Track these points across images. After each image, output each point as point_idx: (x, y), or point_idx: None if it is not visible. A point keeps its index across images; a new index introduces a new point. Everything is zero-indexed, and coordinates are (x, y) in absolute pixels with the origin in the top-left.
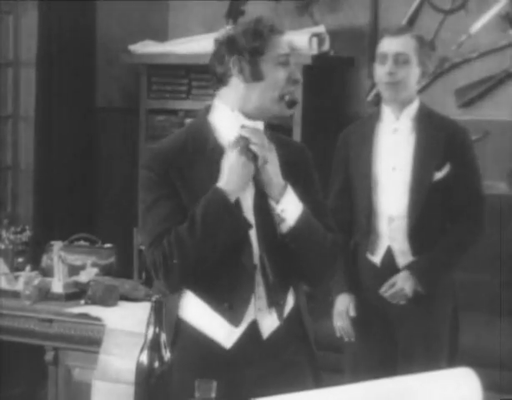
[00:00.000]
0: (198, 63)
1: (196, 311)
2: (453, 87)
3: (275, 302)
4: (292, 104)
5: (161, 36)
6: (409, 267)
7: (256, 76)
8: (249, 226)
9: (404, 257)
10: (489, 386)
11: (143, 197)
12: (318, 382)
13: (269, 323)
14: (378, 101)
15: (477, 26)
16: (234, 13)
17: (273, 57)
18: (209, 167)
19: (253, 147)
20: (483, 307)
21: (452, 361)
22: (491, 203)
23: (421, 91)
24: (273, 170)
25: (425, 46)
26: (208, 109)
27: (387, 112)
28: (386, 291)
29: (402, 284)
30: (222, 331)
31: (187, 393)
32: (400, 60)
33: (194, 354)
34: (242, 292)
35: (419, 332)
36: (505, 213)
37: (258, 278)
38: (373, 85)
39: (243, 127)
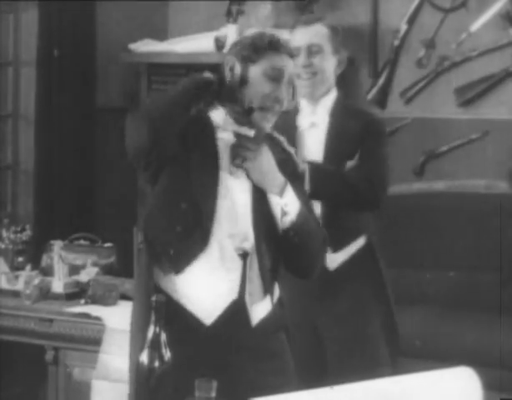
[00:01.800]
0: (199, 62)
1: (177, 283)
2: (453, 85)
3: (269, 289)
4: (249, 112)
5: (161, 35)
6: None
7: (241, 79)
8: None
9: None
10: (489, 385)
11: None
12: (294, 375)
13: (259, 310)
14: (379, 100)
15: (477, 24)
16: (234, 13)
17: (263, 69)
18: (203, 144)
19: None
20: (483, 306)
21: (394, 361)
22: (491, 202)
23: (421, 90)
24: (269, 169)
25: (338, 34)
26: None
27: (303, 104)
28: None
29: None
30: (202, 306)
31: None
32: (313, 51)
33: (177, 328)
34: (191, 245)
35: (346, 335)
36: (506, 213)
37: (253, 263)
38: (374, 84)
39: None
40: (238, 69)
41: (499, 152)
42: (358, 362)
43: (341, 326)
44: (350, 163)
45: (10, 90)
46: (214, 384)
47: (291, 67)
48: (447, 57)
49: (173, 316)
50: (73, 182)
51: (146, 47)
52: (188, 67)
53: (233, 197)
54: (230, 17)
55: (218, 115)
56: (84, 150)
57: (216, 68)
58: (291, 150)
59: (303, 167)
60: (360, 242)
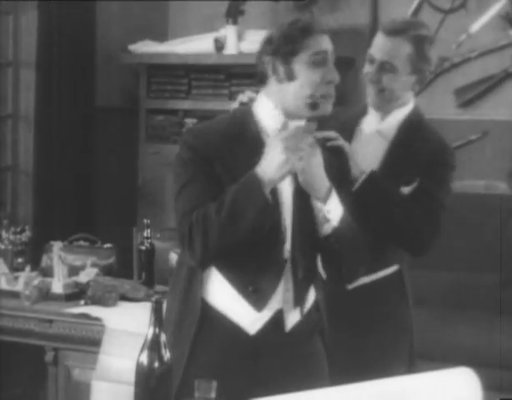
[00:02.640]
0: (198, 63)
1: (222, 295)
2: (452, 86)
3: (301, 297)
4: (313, 107)
5: (161, 36)
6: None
7: (288, 76)
8: (277, 214)
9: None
10: (488, 385)
11: (180, 172)
12: (327, 377)
13: (293, 316)
14: None
15: (477, 26)
16: (234, 13)
17: (306, 58)
18: (248, 153)
19: (295, 151)
20: (483, 306)
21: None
22: (491, 203)
23: (421, 91)
24: (317, 173)
25: (424, 49)
26: (252, 100)
27: (372, 109)
28: None
29: None
30: (247, 317)
31: (210, 375)
32: (385, 68)
33: (219, 337)
34: (268, 279)
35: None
36: (505, 213)
37: (287, 272)
38: None
39: (286, 126)
40: (280, 68)
41: (498, 152)
42: None
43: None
44: (405, 189)
45: (10, 91)
46: (214, 384)
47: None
48: (446, 58)
49: (217, 327)
50: (73, 183)
51: (145, 47)
52: (188, 68)
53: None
54: (230, 17)
55: (264, 109)
56: (84, 150)
57: (216, 70)
58: (350, 152)
59: (358, 174)
60: (390, 270)
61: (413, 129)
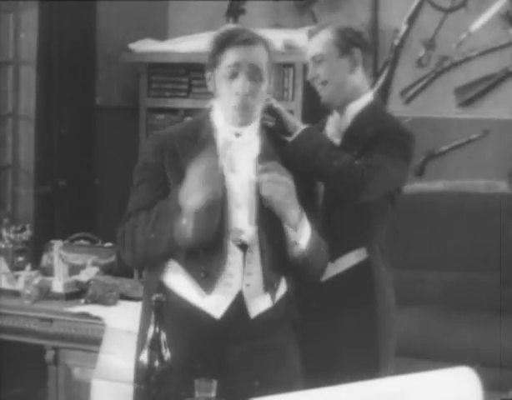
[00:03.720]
0: (198, 62)
1: (179, 280)
2: (453, 85)
3: (270, 284)
4: (233, 119)
5: (161, 34)
6: None
7: (213, 88)
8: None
9: None
10: (489, 385)
11: (134, 175)
12: (299, 368)
13: (259, 303)
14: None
15: (477, 24)
16: (234, 12)
17: (220, 71)
18: (202, 144)
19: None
20: (483, 306)
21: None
22: (491, 202)
23: (421, 90)
24: (289, 203)
25: (345, 33)
26: (211, 107)
27: (333, 110)
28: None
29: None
30: (207, 301)
31: (175, 363)
32: (317, 61)
33: (182, 323)
34: (216, 262)
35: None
36: (505, 212)
37: (253, 256)
38: (374, 84)
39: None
40: (210, 81)
41: (498, 151)
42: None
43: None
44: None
45: (10, 89)
46: (214, 384)
47: (257, 56)
48: (447, 57)
49: (181, 313)
50: (73, 182)
51: (146, 46)
52: (188, 67)
53: (232, 192)
54: (230, 16)
55: (216, 112)
56: (84, 149)
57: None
58: (281, 109)
59: (297, 126)
60: (357, 258)
61: (366, 118)
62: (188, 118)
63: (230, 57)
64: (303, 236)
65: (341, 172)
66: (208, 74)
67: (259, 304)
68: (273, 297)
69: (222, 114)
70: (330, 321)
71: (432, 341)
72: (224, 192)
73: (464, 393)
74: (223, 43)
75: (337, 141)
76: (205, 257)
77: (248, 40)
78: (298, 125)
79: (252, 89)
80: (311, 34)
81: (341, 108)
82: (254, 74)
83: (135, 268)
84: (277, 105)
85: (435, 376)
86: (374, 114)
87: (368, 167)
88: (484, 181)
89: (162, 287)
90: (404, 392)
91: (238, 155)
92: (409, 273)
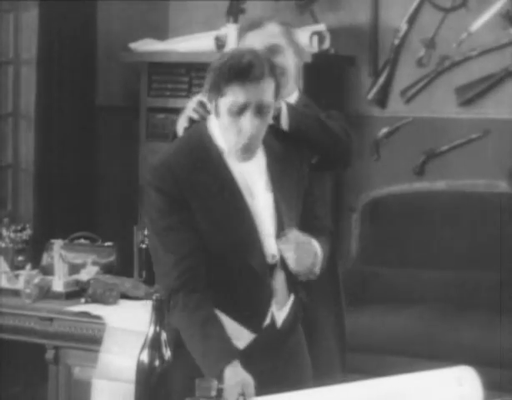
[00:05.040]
0: (199, 61)
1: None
2: (453, 85)
3: (293, 287)
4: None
5: (161, 34)
6: None
7: (216, 113)
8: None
9: None
10: (489, 384)
11: (156, 218)
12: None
13: (282, 312)
14: (379, 99)
15: (477, 24)
16: (235, 12)
17: (226, 103)
18: (213, 179)
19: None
20: (483, 305)
21: None
22: (491, 202)
23: (421, 89)
24: (316, 268)
25: (292, 29)
26: (203, 116)
27: None
28: None
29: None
30: (243, 337)
31: None
32: (274, 51)
33: None
34: (260, 298)
35: None
36: (506, 212)
37: (276, 270)
38: (374, 83)
39: None
40: (212, 101)
41: (499, 151)
42: None
43: None
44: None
45: (10, 89)
46: (214, 384)
47: (263, 92)
48: (447, 57)
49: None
50: (74, 181)
51: (146, 46)
52: (189, 67)
53: (261, 221)
54: (231, 16)
55: (217, 129)
56: (84, 149)
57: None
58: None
59: (280, 106)
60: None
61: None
62: (182, 140)
63: (238, 94)
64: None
65: (338, 135)
66: (210, 99)
67: (282, 314)
68: (294, 302)
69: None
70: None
71: (432, 340)
72: (251, 222)
73: (465, 392)
74: (229, 76)
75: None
76: (248, 299)
77: (258, 77)
78: (280, 105)
79: (258, 126)
80: (256, 25)
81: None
82: (262, 109)
83: None
84: None
85: (436, 374)
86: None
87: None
88: (484, 180)
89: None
90: (405, 390)
91: (250, 178)
92: (409, 273)
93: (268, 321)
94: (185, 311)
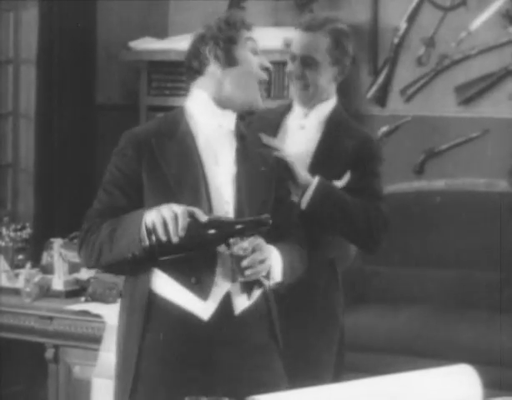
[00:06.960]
0: None
1: (169, 285)
2: (452, 84)
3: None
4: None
5: (161, 33)
6: None
7: (231, 61)
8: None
9: None
10: (488, 383)
11: (109, 169)
12: (281, 366)
13: (242, 300)
14: (378, 98)
15: (477, 23)
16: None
17: (246, 45)
18: (178, 149)
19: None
20: (483, 304)
21: None
22: (491, 201)
23: (421, 88)
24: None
25: (341, 41)
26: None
27: (296, 105)
28: None
29: None
30: (197, 305)
31: (166, 369)
32: (307, 63)
33: (171, 328)
34: (206, 266)
35: None
36: (505, 211)
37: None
38: (374, 82)
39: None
40: (222, 54)
41: (498, 150)
42: None
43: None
44: (338, 183)
45: (10, 88)
46: None
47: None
48: (447, 56)
49: (171, 317)
50: (73, 180)
51: (146, 44)
52: None
53: (217, 188)
54: None
55: (196, 102)
56: (84, 148)
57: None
58: (292, 162)
59: (308, 180)
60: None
61: (338, 124)
62: (158, 117)
63: (254, 34)
64: (275, 276)
65: (359, 229)
66: (209, 47)
67: (241, 301)
68: (249, 294)
69: (206, 104)
70: (296, 318)
71: (432, 339)
72: (207, 188)
73: (464, 391)
74: (243, 21)
75: (305, 140)
76: (194, 263)
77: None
78: (309, 180)
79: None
80: (307, 28)
81: (308, 107)
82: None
83: (90, 268)
84: (288, 158)
85: (435, 373)
86: (344, 120)
87: (380, 211)
88: (483, 179)
89: (150, 295)
90: (404, 390)
91: (221, 146)
92: (409, 272)
93: (220, 296)
94: (94, 232)
